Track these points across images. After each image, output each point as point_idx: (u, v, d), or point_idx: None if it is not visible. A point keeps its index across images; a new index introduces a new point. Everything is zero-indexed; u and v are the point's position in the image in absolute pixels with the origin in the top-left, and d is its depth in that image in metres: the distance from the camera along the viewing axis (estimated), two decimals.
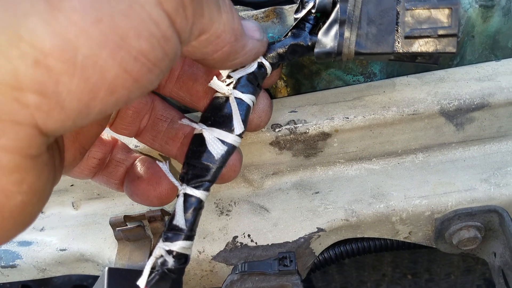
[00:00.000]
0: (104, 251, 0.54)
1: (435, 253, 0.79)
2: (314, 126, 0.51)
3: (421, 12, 0.41)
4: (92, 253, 0.54)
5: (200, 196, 0.40)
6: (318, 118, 0.51)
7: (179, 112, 0.46)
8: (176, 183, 0.41)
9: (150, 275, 0.38)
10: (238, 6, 0.60)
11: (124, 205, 0.58)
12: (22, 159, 0.23)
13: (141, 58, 0.25)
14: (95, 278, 0.76)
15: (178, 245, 0.38)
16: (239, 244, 0.52)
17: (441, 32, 0.40)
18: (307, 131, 0.51)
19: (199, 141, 0.41)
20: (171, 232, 0.39)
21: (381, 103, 0.50)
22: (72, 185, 0.57)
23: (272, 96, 0.58)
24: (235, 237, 0.52)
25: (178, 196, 0.40)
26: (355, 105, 0.51)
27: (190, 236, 0.40)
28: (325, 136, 0.51)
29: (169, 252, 0.38)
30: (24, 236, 0.59)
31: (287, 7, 0.58)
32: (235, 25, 0.34)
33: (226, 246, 0.52)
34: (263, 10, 0.57)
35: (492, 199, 0.49)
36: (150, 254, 0.52)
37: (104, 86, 0.24)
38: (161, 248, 0.39)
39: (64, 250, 0.55)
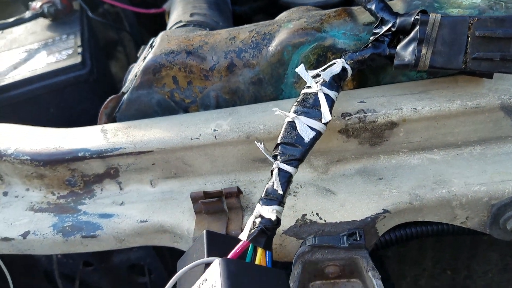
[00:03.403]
0: (183, 223, 0.59)
1: (477, 249, 0.82)
2: (383, 116, 0.55)
3: (488, 39, 0.49)
4: (171, 224, 0.59)
5: (291, 171, 0.48)
6: (387, 108, 0.55)
7: None
8: (271, 159, 0.49)
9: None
10: (309, 6, 0.66)
11: (198, 184, 0.63)
12: None
13: None
14: (153, 257, 0.81)
15: (273, 209, 0.46)
16: (308, 221, 0.56)
17: (503, 57, 0.49)
18: (376, 120, 0.56)
19: (291, 127, 0.50)
20: (268, 198, 0.47)
21: (446, 96, 0.55)
22: (153, 164, 0.62)
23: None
24: (304, 214, 0.57)
25: (272, 170, 0.48)
26: (422, 98, 0.55)
27: (282, 203, 0.47)
28: (392, 125, 0.56)
29: (267, 212, 0.46)
30: (104, 209, 0.64)
31: (355, 8, 0.63)
32: None
33: (296, 222, 0.56)
34: (334, 9, 0.62)
35: None
36: (227, 227, 0.57)
37: None
38: (260, 209, 0.46)
39: (145, 221, 0.61)
